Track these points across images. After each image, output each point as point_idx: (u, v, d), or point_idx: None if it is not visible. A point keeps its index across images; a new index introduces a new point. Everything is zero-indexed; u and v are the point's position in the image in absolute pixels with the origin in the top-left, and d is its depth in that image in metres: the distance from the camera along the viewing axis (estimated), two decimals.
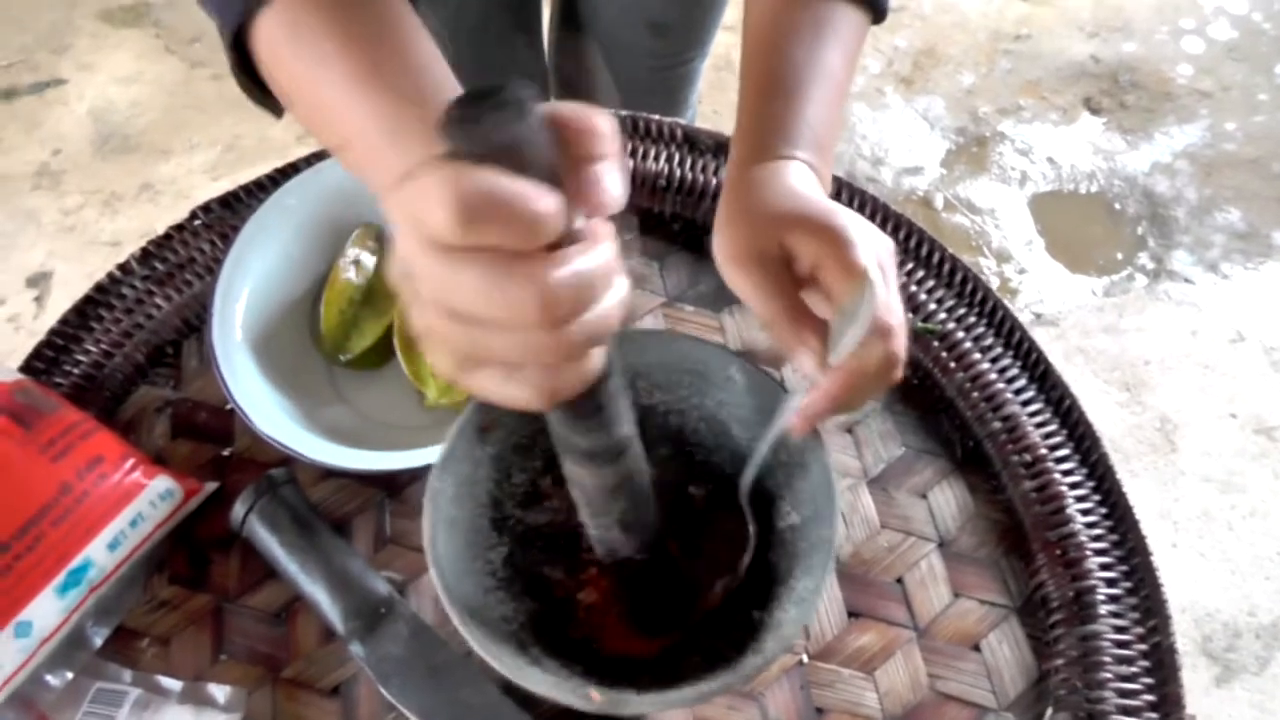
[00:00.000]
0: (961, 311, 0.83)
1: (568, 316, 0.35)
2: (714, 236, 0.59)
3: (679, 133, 0.91)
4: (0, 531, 0.63)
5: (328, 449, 0.70)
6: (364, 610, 0.66)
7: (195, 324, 0.82)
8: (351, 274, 0.79)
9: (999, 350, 0.81)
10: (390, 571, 0.71)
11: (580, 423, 0.46)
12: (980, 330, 0.82)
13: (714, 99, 2.21)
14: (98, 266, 1.96)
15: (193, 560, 0.72)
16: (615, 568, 0.64)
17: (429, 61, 0.54)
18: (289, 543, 0.68)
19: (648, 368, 0.64)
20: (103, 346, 0.80)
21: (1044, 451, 0.76)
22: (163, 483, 0.70)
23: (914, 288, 0.84)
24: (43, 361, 0.79)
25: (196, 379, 0.80)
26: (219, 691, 0.66)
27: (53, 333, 0.80)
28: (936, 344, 0.81)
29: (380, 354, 0.79)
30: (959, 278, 0.84)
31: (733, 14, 1.23)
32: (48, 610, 0.64)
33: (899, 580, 0.72)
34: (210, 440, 0.77)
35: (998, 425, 0.78)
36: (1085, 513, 0.74)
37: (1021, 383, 0.80)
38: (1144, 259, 2.07)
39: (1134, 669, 0.68)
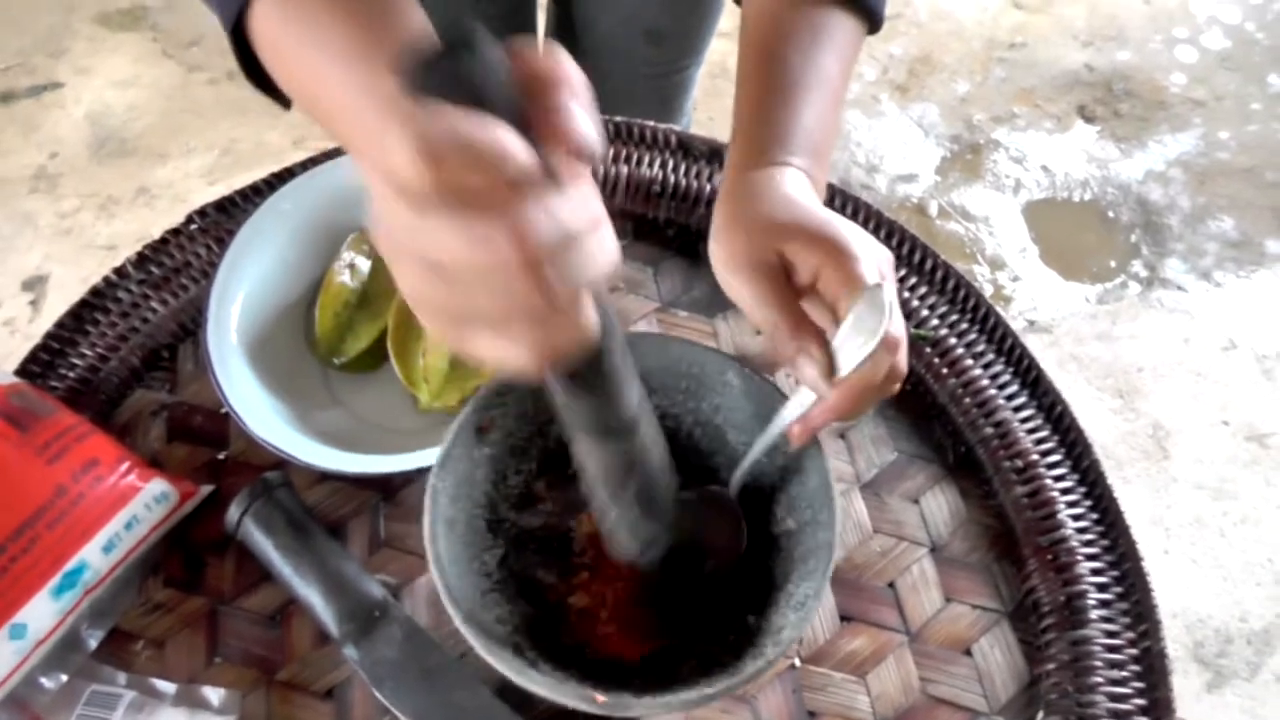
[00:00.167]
0: (954, 318, 0.83)
1: (547, 259, 0.34)
2: (711, 243, 0.60)
3: (673, 139, 0.92)
4: None
5: (322, 452, 0.70)
6: (358, 613, 0.67)
7: (191, 328, 0.83)
8: (346, 277, 0.80)
9: (991, 356, 0.82)
10: (384, 575, 0.71)
11: (585, 393, 0.45)
12: (973, 336, 0.82)
13: (708, 106, 2.22)
14: (94, 270, 1.96)
15: (188, 563, 0.72)
16: (611, 572, 0.64)
17: (423, 35, 0.54)
18: (284, 545, 0.68)
19: (644, 371, 0.64)
20: (98, 350, 0.80)
21: (1035, 457, 0.77)
22: (158, 486, 0.70)
23: (907, 294, 0.85)
24: (39, 365, 0.79)
25: (192, 383, 0.80)
26: (214, 694, 0.66)
27: (49, 336, 0.81)
28: (929, 350, 0.82)
29: (375, 357, 0.79)
30: (952, 284, 0.85)
31: (727, 21, 1.24)
32: (43, 612, 0.64)
33: (891, 585, 0.72)
34: (205, 443, 0.78)
35: (990, 431, 0.78)
36: (1076, 518, 0.74)
37: (1013, 389, 0.80)
38: (1137, 267, 2.07)
39: (1125, 673, 0.68)
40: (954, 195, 2.18)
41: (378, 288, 0.80)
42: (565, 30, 1.23)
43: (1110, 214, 2.16)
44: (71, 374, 0.79)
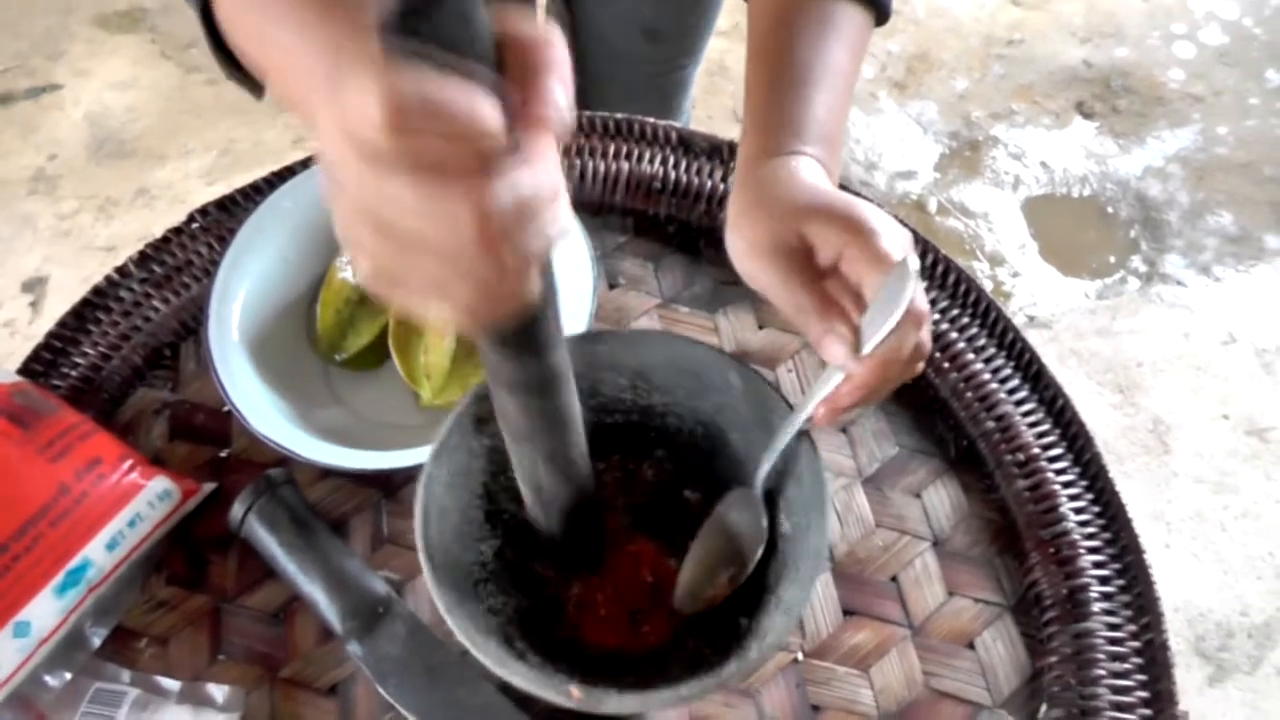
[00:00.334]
0: (955, 313, 0.83)
1: (505, 236, 0.34)
2: (728, 234, 0.59)
3: (674, 135, 0.92)
4: None
5: (324, 449, 0.70)
6: (361, 610, 0.67)
7: (193, 326, 0.83)
8: (348, 273, 0.80)
9: (992, 351, 0.82)
10: (388, 571, 0.71)
11: (513, 351, 0.45)
12: (974, 331, 0.82)
13: (706, 104, 2.22)
14: (93, 271, 1.96)
15: (191, 561, 0.72)
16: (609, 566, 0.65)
17: None
18: (287, 542, 0.68)
19: (647, 368, 0.64)
20: (101, 349, 0.81)
21: (1037, 451, 0.77)
22: (161, 483, 0.70)
23: None
24: (41, 364, 0.79)
25: (194, 381, 0.81)
26: (217, 691, 0.66)
27: (51, 335, 0.81)
28: (931, 344, 0.81)
29: (376, 354, 0.79)
30: (953, 279, 0.85)
31: (725, 20, 1.24)
32: (46, 610, 0.64)
33: (894, 579, 0.72)
34: (208, 441, 0.78)
35: (991, 425, 0.78)
36: (1078, 511, 0.74)
37: (1015, 383, 0.80)
38: (1136, 262, 2.08)
39: (1127, 666, 0.69)
40: (953, 192, 2.18)
41: None
42: (564, 28, 1.23)
43: (1109, 210, 2.16)
44: (74, 373, 0.79)
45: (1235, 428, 1.84)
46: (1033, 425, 0.78)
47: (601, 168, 0.89)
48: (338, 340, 0.79)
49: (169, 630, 0.69)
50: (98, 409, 0.78)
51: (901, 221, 0.85)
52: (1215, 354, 1.93)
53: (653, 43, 1.17)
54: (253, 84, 0.60)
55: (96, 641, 0.68)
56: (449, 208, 0.32)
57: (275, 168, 0.89)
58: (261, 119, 2.22)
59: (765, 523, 0.61)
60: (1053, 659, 0.69)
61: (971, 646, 0.70)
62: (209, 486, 0.74)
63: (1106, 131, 2.30)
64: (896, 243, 0.52)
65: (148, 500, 0.69)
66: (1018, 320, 1.92)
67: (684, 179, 0.89)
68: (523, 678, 0.51)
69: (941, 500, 0.76)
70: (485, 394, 0.60)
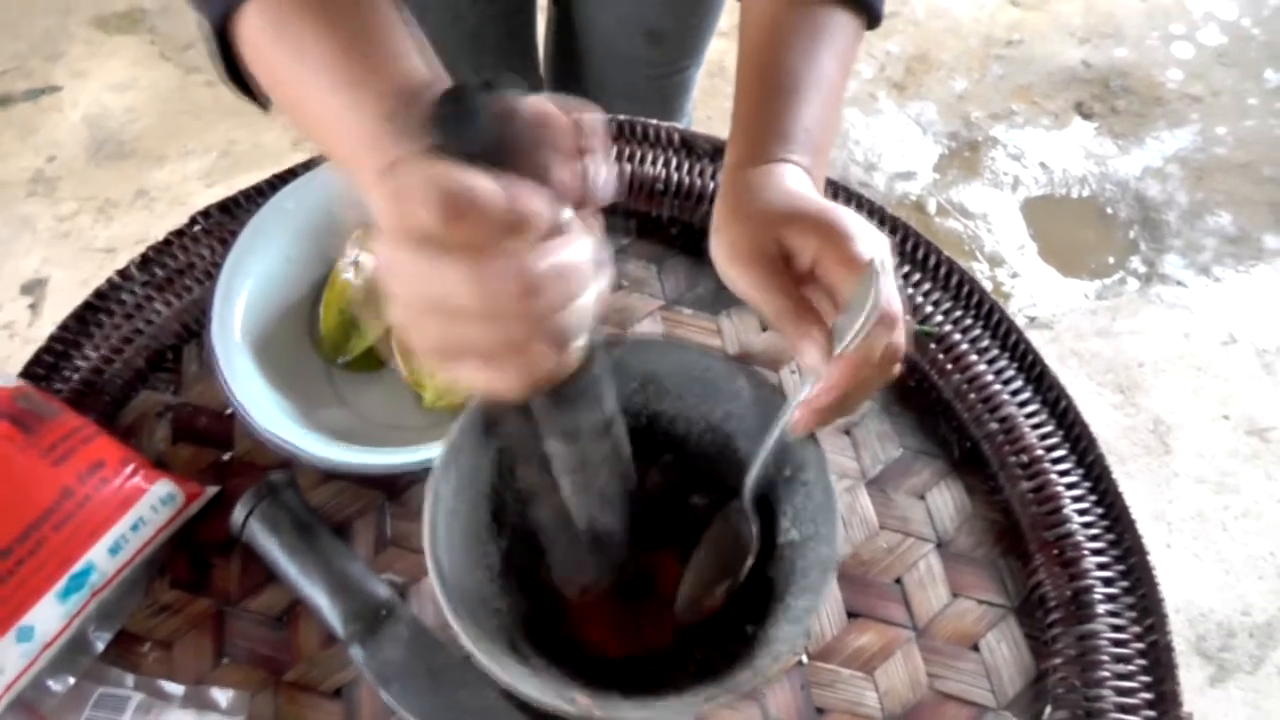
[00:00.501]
0: (958, 314, 0.83)
1: (547, 310, 0.36)
2: (711, 239, 0.60)
3: (676, 137, 0.92)
4: (2, 536, 0.63)
5: (328, 448, 0.70)
6: (364, 613, 0.67)
7: (195, 329, 0.83)
8: (351, 274, 0.80)
9: (995, 352, 0.82)
10: (391, 574, 0.71)
11: (562, 407, 0.47)
12: (977, 332, 0.82)
13: (706, 105, 2.20)
14: (93, 273, 1.96)
15: (194, 564, 0.72)
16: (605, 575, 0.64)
17: (412, 55, 0.54)
18: (289, 546, 0.68)
19: (655, 375, 0.64)
20: (103, 352, 0.80)
21: (1041, 452, 0.77)
22: (164, 487, 0.70)
23: (910, 290, 0.85)
24: (43, 367, 0.79)
25: (196, 384, 0.80)
26: (221, 695, 0.66)
27: (53, 338, 0.81)
28: (934, 346, 0.82)
29: (378, 356, 0.79)
30: (955, 281, 0.85)
31: (726, 21, 1.24)
32: (50, 615, 0.64)
33: (898, 581, 0.72)
34: (210, 444, 0.78)
35: (995, 426, 0.78)
36: (1082, 513, 0.74)
37: (1018, 384, 0.80)
38: (1136, 263, 2.08)
39: (1131, 667, 0.68)
40: (952, 193, 2.18)
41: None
42: (565, 31, 1.23)
43: (1108, 210, 2.17)
44: (76, 376, 0.79)
45: (1236, 428, 1.84)
46: (1036, 427, 0.78)
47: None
48: (341, 342, 0.79)
49: (172, 634, 0.69)
50: (100, 412, 0.77)
51: (898, 221, 0.86)
52: (1215, 354, 1.93)
53: (654, 45, 1.17)
54: (255, 97, 0.61)
55: (100, 646, 0.68)
56: (493, 284, 0.35)
57: (275, 169, 0.89)
58: (261, 121, 2.21)
59: (755, 532, 0.61)
60: (1057, 660, 0.69)
61: (976, 648, 0.70)
62: (212, 490, 0.74)
63: (1105, 132, 2.30)
64: (868, 245, 0.52)
65: (151, 504, 0.69)
66: (1018, 321, 1.91)
67: (687, 180, 0.89)
68: (529, 685, 0.51)
69: (945, 502, 0.76)
70: (495, 400, 0.60)
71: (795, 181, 0.59)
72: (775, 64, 0.64)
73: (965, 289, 0.84)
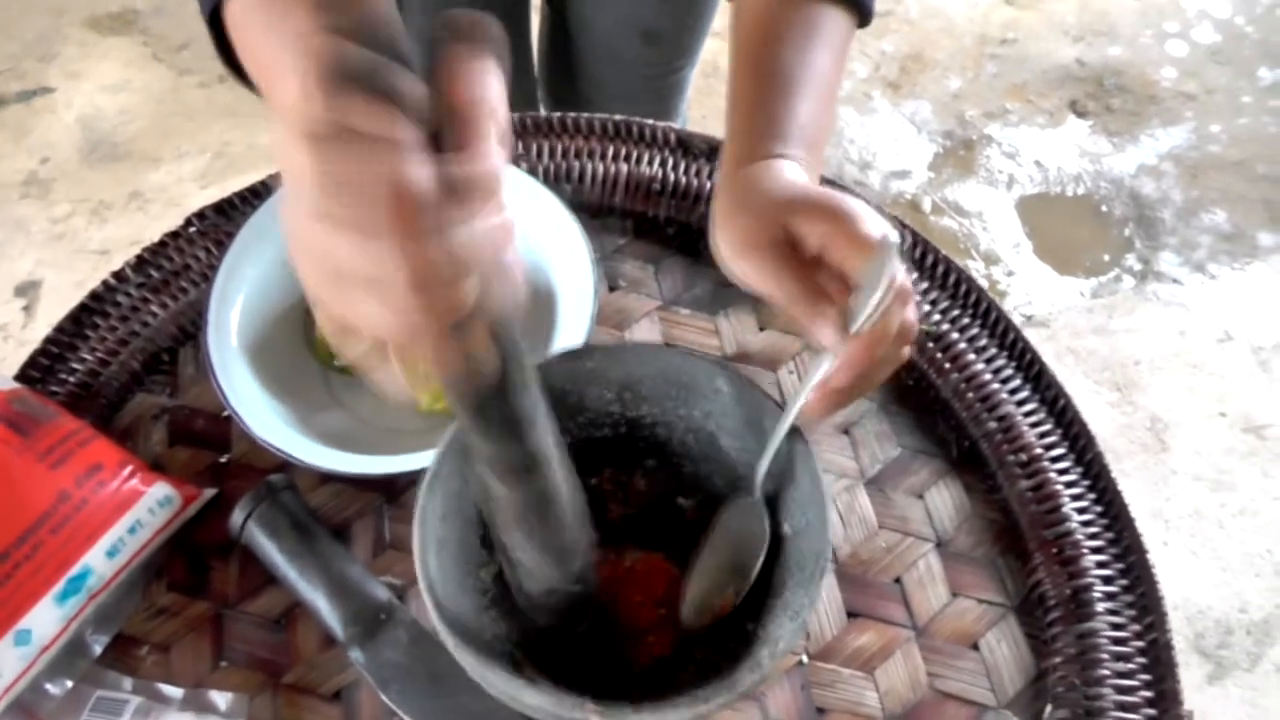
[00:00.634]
0: (956, 313, 0.83)
1: (441, 285, 0.35)
2: (713, 235, 0.60)
3: (672, 137, 0.92)
4: None
5: (324, 453, 0.70)
6: (363, 616, 0.66)
7: (191, 331, 0.82)
8: None
9: (993, 351, 0.82)
10: (390, 576, 0.71)
11: (486, 429, 0.45)
12: (975, 331, 0.82)
13: (701, 104, 2.21)
14: (87, 275, 1.96)
15: (192, 567, 0.72)
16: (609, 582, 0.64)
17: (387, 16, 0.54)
18: (288, 549, 0.67)
19: (633, 380, 0.64)
20: (99, 354, 0.80)
21: (1039, 451, 0.77)
22: (161, 489, 0.69)
23: None
24: (38, 370, 0.79)
25: (193, 386, 0.80)
26: (220, 698, 0.66)
27: (48, 341, 0.80)
28: (931, 345, 0.82)
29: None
30: (953, 279, 0.85)
31: (720, 21, 1.24)
32: (47, 618, 0.63)
33: (897, 580, 0.72)
34: (208, 447, 0.77)
35: (993, 425, 0.78)
36: (1081, 511, 0.74)
37: (1016, 383, 0.80)
38: (1131, 260, 2.08)
39: (1131, 666, 0.69)
40: (947, 191, 2.18)
41: None
42: (559, 31, 1.23)
43: (1103, 208, 2.17)
44: (72, 379, 0.79)
45: (1232, 425, 1.84)
46: (1034, 425, 0.78)
47: (601, 170, 0.89)
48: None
49: (170, 637, 0.69)
50: (96, 415, 0.77)
51: (898, 221, 0.86)
52: (1212, 352, 1.94)
53: (650, 45, 1.16)
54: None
55: (98, 649, 0.67)
56: (385, 259, 0.34)
57: (270, 170, 0.88)
58: (255, 121, 2.21)
59: (767, 527, 0.60)
60: (1057, 659, 0.69)
61: (976, 647, 0.70)
62: (209, 492, 0.73)
63: (1100, 130, 2.31)
64: (876, 225, 0.53)
65: (148, 507, 0.68)
66: (1014, 319, 1.92)
67: (683, 180, 0.89)
68: (538, 704, 0.51)
69: (944, 501, 0.76)
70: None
71: (793, 173, 0.60)
72: (769, 61, 0.65)
73: (963, 288, 0.84)
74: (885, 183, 2.20)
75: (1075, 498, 0.75)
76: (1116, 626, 0.70)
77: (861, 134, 2.28)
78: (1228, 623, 1.62)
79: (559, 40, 1.24)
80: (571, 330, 0.74)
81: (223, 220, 0.87)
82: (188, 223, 0.87)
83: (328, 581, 0.67)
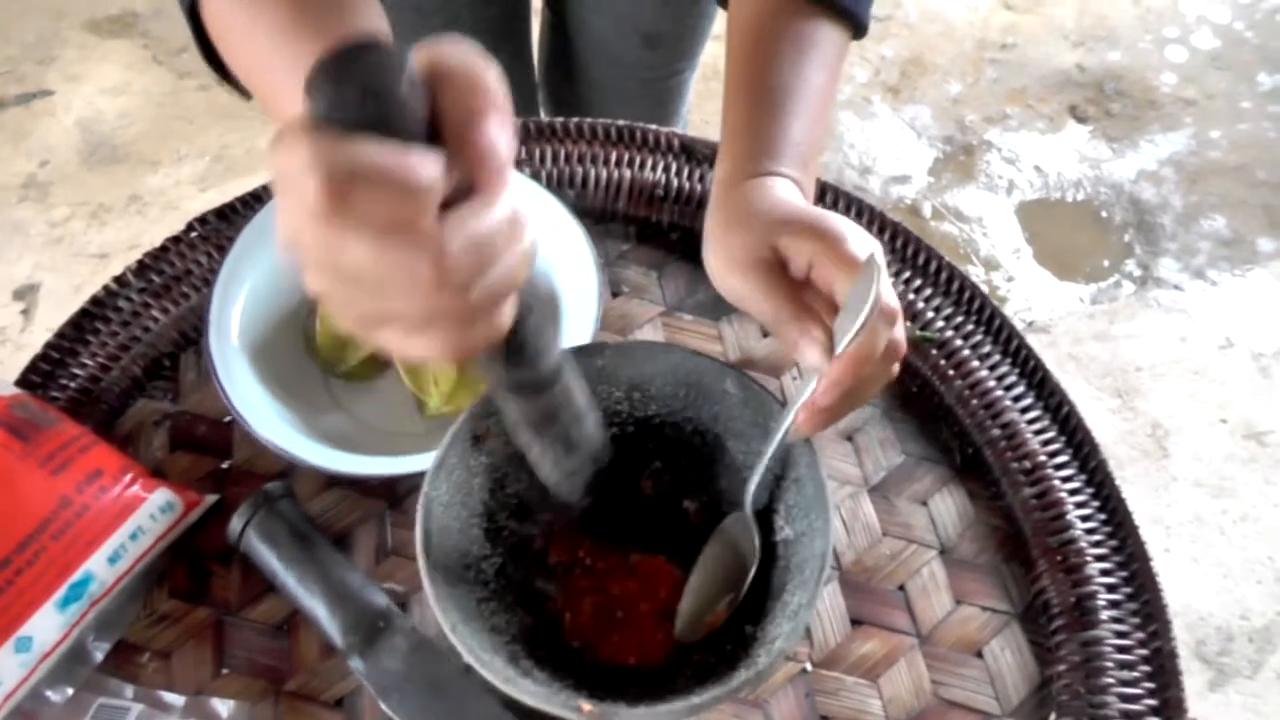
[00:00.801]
0: (960, 319, 0.83)
1: (466, 280, 0.34)
2: (705, 252, 0.61)
3: (676, 142, 0.91)
4: (0, 546, 0.63)
5: (327, 454, 0.70)
6: (362, 624, 0.66)
7: (193, 336, 0.82)
8: None
9: (997, 358, 0.81)
10: (393, 583, 0.71)
11: (501, 361, 0.46)
12: (978, 338, 0.82)
13: (701, 108, 2.20)
14: (85, 278, 1.95)
15: (193, 573, 0.71)
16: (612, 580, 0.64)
17: (367, 16, 0.54)
18: (286, 557, 0.67)
19: (642, 379, 0.64)
20: (100, 360, 0.80)
21: (1043, 458, 0.77)
22: (163, 495, 0.69)
23: (911, 296, 0.85)
24: (39, 375, 0.79)
25: (194, 392, 0.80)
26: (222, 706, 0.65)
27: (49, 346, 0.80)
28: (935, 352, 0.81)
29: (376, 365, 0.78)
30: (956, 285, 0.85)
31: (720, 24, 1.24)
32: (48, 625, 0.63)
33: (901, 587, 0.72)
34: (209, 453, 0.77)
35: (997, 432, 0.78)
36: (1085, 519, 0.74)
37: (1020, 390, 0.80)
38: (1131, 266, 2.08)
39: (1135, 674, 0.68)
40: (947, 196, 2.18)
41: None
42: (560, 34, 1.23)
43: (1103, 214, 2.17)
44: (72, 384, 0.79)
45: (1233, 432, 1.84)
46: (1038, 433, 0.78)
47: (604, 175, 0.89)
48: (338, 353, 0.78)
49: (172, 644, 0.69)
50: (97, 420, 0.77)
51: (897, 226, 0.86)
52: (1212, 358, 1.94)
53: (650, 48, 1.16)
54: (243, 88, 0.61)
55: (99, 656, 0.67)
56: (403, 260, 0.33)
57: (270, 174, 0.88)
58: (254, 125, 2.21)
59: (757, 544, 0.60)
60: (1061, 667, 0.69)
61: (980, 655, 0.70)
62: (211, 498, 0.73)
63: (1100, 135, 2.31)
64: (862, 246, 0.53)
65: (149, 513, 0.68)
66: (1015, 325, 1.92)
67: (686, 186, 0.89)
68: (532, 695, 0.51)
69: (948, 508, 0.76)
70: (481, 412, 0.60)
71: (785, 192, 0.60)
72: (763, 77, 0.65)
73: (966, 294, 0.84)
74: (885, 188, 2.20)
75: (1079, 505, 0.75)
76: (1120, 634, 0.70)
77: (861, 139, 2.28)
78: (1229, 630, 1.61)
79: (559, 43, 1.24)
80: (576, 336, 0.74)
81: (224, 225, 0.87)
82: (189, 227, 0.86)
83: (326, 589, 0.66)
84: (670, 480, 0.68)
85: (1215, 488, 1.77)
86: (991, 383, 0.80)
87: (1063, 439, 0.78)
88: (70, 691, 0.65)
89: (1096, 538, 0.74)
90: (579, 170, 0.90)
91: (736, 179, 0.62)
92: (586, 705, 0.51)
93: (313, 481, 0.73)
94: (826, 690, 0.68)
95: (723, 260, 0.59)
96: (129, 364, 0.80)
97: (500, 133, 0.34)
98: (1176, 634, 0.70)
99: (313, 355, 0.79)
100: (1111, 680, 0.68)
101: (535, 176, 0.88)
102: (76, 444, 0.68)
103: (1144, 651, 0.69)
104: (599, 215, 0.88)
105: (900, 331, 0.54)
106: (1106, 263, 2.09)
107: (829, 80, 0.67)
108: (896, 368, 0.55)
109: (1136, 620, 0.71)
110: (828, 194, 0.88)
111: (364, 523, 0.73)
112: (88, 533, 0.65)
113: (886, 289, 0.52)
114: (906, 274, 0.86)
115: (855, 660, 0.69)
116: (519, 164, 0.89)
